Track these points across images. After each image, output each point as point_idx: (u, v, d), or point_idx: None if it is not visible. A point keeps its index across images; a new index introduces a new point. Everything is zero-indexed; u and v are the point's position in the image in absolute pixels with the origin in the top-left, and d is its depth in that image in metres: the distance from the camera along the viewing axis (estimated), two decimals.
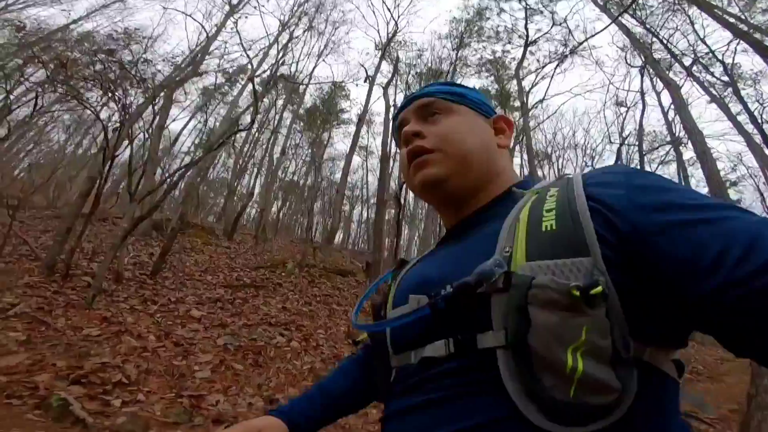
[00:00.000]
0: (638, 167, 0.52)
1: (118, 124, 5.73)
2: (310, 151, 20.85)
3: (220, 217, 19.27)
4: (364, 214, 28.59)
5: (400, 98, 14.63)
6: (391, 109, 12.84)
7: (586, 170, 0.52)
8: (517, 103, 14.20)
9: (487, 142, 0.64)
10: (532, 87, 15.64)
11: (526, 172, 14.66)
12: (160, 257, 6.22)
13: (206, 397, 4.15)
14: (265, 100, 14.27)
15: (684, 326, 0.42)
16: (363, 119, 14.16)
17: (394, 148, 10.40)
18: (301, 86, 15.36)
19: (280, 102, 18.16)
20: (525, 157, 15.54)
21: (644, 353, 0.40)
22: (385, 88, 13.86)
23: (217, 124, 16.22)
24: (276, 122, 17.51)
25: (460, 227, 0.62)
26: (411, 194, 17.59)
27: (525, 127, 13.11)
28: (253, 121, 6.79)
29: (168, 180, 6.02)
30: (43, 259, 5.01)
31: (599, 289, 0.37)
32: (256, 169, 20.71)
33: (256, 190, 20.73)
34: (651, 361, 0.41)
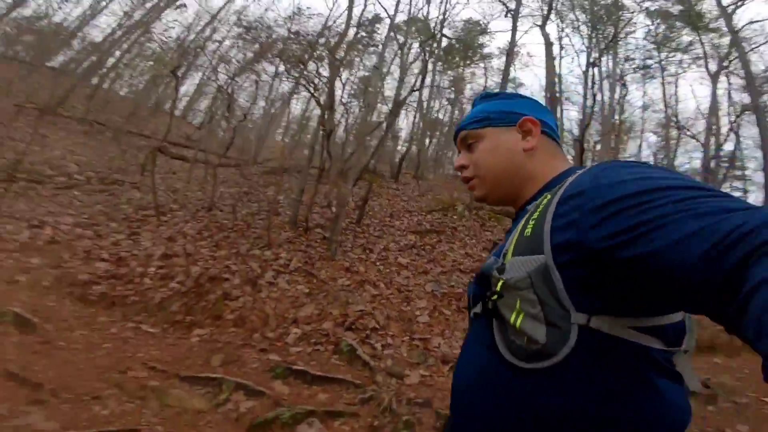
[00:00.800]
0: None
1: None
2: (452, 89, 20.09)
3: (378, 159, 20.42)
4: None
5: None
6: (554, 46, 11.65)
7: (585, 170, 0.60)
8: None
9: (511, 156, 0.74)
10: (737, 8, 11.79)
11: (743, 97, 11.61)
12: (362, 206, 6.92)
13: (430, 339, 4.67)
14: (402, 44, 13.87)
15: (639, 301, 0.52)
16: (511, 53, 12.95)
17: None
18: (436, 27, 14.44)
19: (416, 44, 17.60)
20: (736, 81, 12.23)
21: (589, 321, 0.52)
22: (542, 26, 12.35)
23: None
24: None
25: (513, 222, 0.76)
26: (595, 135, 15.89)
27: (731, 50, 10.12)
28: (423, 83, 6.68)
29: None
30: (288, 216, 6.07)
31: (501, 282, 0.60)
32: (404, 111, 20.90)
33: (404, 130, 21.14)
34: (597, 327, 0.52)
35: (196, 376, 2.96)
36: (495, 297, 0.60)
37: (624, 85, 16.19)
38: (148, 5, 19.20)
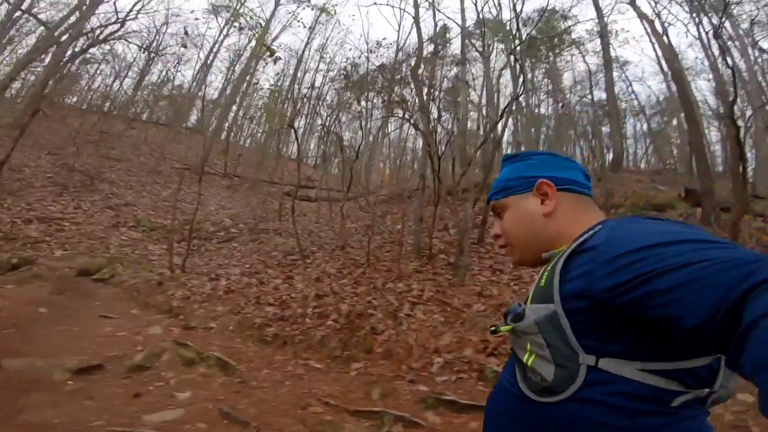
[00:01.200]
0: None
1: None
2: (546, 80, 18.89)
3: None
4: (638, 127, 23.87)
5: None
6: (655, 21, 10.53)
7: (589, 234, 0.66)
8: None
9: (533, 221, 0.78)
10: None
11: None
12: (482, 225, 6.88)
13: None
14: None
15: (645, 346, 0.57)
16: (605, 34, 12.12)
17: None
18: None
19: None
20: None
21: (597, 362, 0.58)
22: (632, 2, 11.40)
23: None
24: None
25: None
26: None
27: None
28: (524, 87, 6.42)
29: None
30: (410, 245, 6.35)
31: (508, 327, 0.71)
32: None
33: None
34: (605, 368, 0.58)
35: (362, 410, 3.27)
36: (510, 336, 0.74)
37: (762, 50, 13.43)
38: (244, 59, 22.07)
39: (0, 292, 4.66)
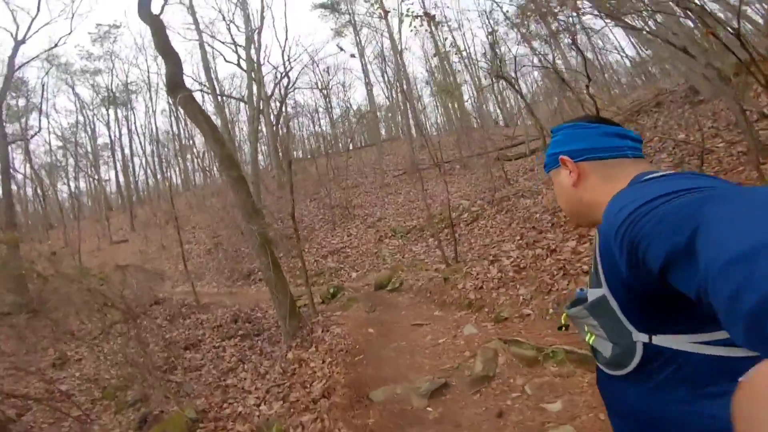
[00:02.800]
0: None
1: None
2: None
3: None
4: None
5: None
6: None
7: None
8: None
9: (567, 193, 0.82)
10: None
11: None
12: None
13: None
14: None
15: (691, 319, 0.56)
16: None
17: None
18: None
19: None
20: None
21: (651, 339, 0.61)
22: None
23: None
24: None
25: None
26: None
27: None
28: None
29: None
30: None
31: (564, 315, 0.87)
32: None
33: None
34: (660, 343, 0.60)
35: None
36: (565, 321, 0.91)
37: None
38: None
39: (337, 319, 5.53)
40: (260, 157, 30.22)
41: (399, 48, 19.04)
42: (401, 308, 5.59)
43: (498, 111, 27.29)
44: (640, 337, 0.61)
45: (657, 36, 10.20)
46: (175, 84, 6.90)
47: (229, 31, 20.73)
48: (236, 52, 20.07)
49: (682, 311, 0.55)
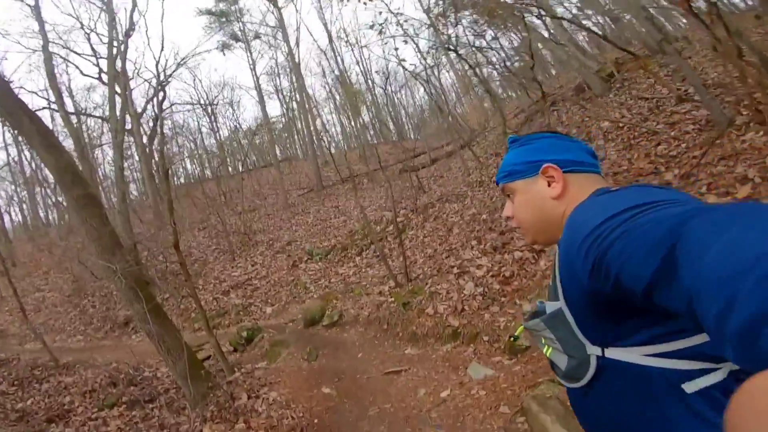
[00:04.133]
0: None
1: None
2: None
3: None
4: None
5: None
6: None
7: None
8: None
9: (543, 205, 0.75)
10: None
11: None
12: None
13: None
14: None
15: (647, 332, 0.55)
16: None
17: None
18: None
19: None
20: None
21: (603, 352, 0.60)
22: None
23: None
24: None
25: None
26: None
27: None
28: None
29: None
30: None
31: (521, 329, 0.89)
32: None
33: None
34: (613, 357, 0.59)
35: None
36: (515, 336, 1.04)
37: None
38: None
39: (266, 375, 3.96)
40: (132, 186, 25.66)
41: (297, 60, 17.77)
42: (353, 349, 4.27)
43: (392, 125, 27.65)
44: (594, 350, 0.61)
45: (552, 40, 10.91)
46: None
47: (89, 41, 16.79)
48: (97, 64, 16.47)
49: (636, 324, 0.55)
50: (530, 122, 10.50)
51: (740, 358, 0.30)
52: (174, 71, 22.85)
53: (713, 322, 0.32)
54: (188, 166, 28.46)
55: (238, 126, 26.57)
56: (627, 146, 5.05)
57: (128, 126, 15.83)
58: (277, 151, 26.13)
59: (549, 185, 0.75)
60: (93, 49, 16.81)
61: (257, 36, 20.49)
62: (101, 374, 4.91)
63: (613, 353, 0.58)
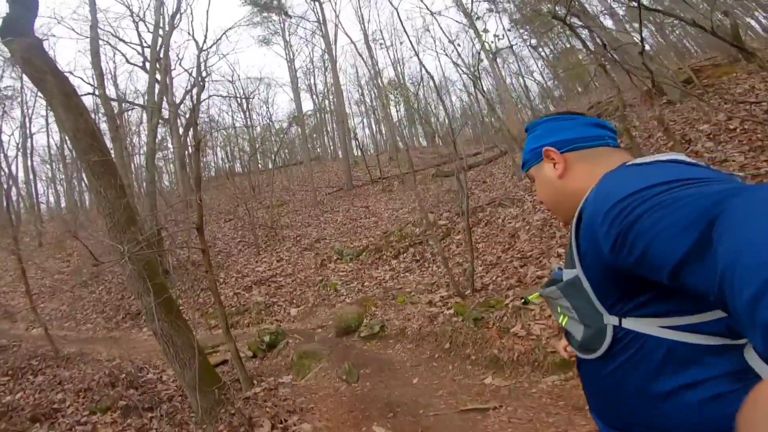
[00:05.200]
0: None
1: None
2: None
3: None
4: None
5: None
6: None
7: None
8: None
9: (552, 186, 0.77)
10: None
11: None
12: None
13: None
14: None
15: (662, 304, 0.54)
16: None
17: None
18: None
19: None
20: None
21: (621, 322, 0.58)
22: None
23: None
24: None
25: None
26: None
27: None
28: None
29: None
30: None
31: (536, 295, 0.89)
32: None
33: None
34: (629, 327, 0.57)
35: None
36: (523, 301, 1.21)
37: None
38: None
39: (294, 398, 3.11)
40: (165, 177, 25.68)
41: (334, 56, 17.20)
42: (403, 371, 3.36)
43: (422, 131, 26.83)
44: (611, 320, 0.60)
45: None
46: (15, 28, 4.07)
47: (137, 29, 16.65)
48: (142, 53, 16.32)
49: (654, 295, 0.55)
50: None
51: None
52: (214, 48, 22.68)
53: (745, 306, 0.30)
54: (219, 159, 28.40)
55: (270, 122, 26.32)
56: (754, 147, 4.01)
57: (165, 115, 15.55)
58: (308, 149, 25.67)
59: (554, 167, 0.76)
60: (140, 36, 16.69)
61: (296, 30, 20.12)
62: (101, 371, 4.17)
63: (630, 324, 0.58)
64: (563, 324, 0.72)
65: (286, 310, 7.22)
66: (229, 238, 13.04)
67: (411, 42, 10.03)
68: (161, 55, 14.94)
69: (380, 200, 14.20)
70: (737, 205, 0.36)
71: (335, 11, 26.25)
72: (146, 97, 15.76)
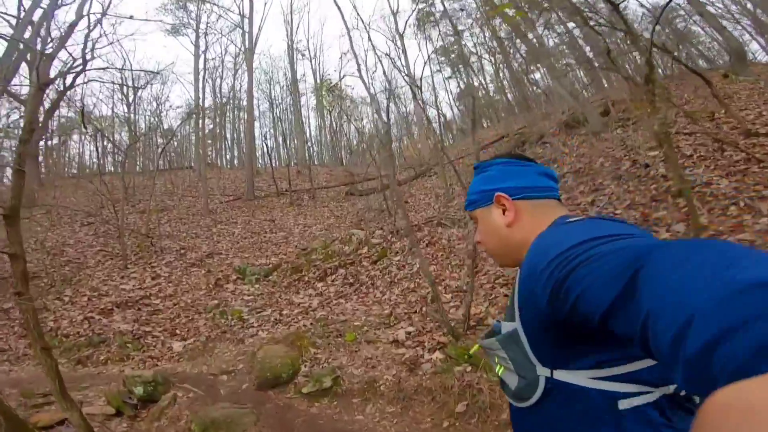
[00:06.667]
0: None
1: None
2: None
3: None
4: None
5: None
6: None
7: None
8: None
9: (499, 232, 0.76)
10: None
11: None
12: None
13: None
14: None
15: (594, 356, 0.56)
16: None
17: None
18: None
19: None
20: None
21: (552, 373, 0.60)
22: None
23: None
24: None
25: None
26: None
27: None
28: None
29: None
30: None
31: (476, 347, 0.82)
32: None
33: None
34: (560, 378, 0.59)
35: None
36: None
37: None
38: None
39: None
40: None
41: (251, 58, 15.30)
42: None
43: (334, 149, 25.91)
44: (543, 372, 0.61)
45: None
46: None
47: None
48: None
49: (585, 349, 0.56)
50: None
51: (690, 381, 0.30)
52: (106, 28, 18.52)
53: (668, 345, 0.32)
54: (87, 156, 23.08)
55: (158, 120, 22.34)
56: (730, 172, 3.94)
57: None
58: (203, 150, 22.39)
59: (504, 213, 0.75)
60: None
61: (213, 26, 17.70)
62: None
63: (561, 375, 0.59)
64: (499, 373, 0.73)
65: (165, 344, 5.20)
66: (85, 245, 9.91)
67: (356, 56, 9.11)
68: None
69: (287, 214, 12.54)
70: (658, 258, 0.38)
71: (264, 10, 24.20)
72: None
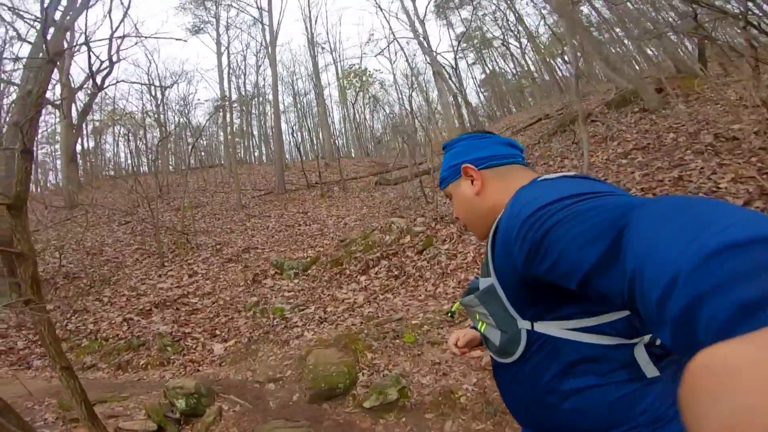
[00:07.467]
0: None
1: None
2: None
3: None
4: None
5: None
6: None
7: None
8: None
9: (470, 203, 0.78)
10: None
11: None
12: None
13: None
14: None
15: (567, 308, 0.57)
16: None
17: None
18: None
19: None
20: None
21: (533, 326, 0.60)
22: None
23: None
24: None
25: None
26: None
27: None
28: None
29: None
30: None
31: (457, 305, 0.87)
32: None
33: None
34: (541, 330, 0.59)
35: None
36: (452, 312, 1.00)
37: None
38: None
39: None
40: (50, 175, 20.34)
41: (273, 54, 14.96)
42: None
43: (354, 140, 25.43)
44: (524, 324, 0.61)
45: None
46: None
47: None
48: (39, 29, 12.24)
49: (561, 300, 0.56)
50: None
51: (677, 341, 0.30)
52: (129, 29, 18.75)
53: (654, 304, 0.32)
54: (122, 157, 23.63)
55: (187, 119, 22.52)
56: None
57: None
58: (232, 146, 22.44)
59: (472, 183, 0.77)
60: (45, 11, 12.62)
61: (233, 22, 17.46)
62: None
63: (541, 327, 0.59)
64: (482, 330, 0.73)
65: (206, 347, 4.89)
66: (123, 244, 9.90)
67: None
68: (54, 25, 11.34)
69: (319, 206, 12.20)
70: (642, 216, 0.38)
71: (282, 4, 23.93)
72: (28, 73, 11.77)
